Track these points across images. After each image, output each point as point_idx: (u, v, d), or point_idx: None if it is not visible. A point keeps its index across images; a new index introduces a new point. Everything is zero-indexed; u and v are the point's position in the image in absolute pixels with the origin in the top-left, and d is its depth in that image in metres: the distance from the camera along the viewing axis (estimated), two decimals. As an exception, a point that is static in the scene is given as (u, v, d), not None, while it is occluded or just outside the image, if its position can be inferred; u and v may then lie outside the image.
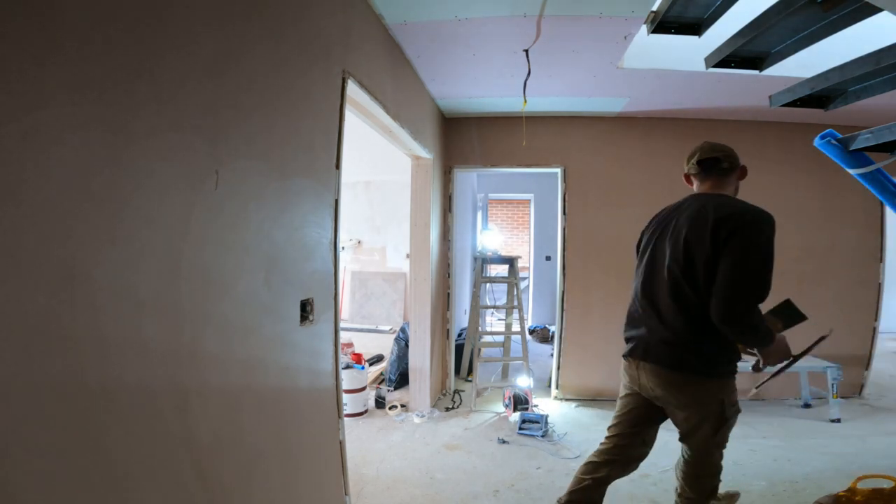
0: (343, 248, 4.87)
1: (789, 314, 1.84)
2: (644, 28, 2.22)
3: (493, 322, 6.71)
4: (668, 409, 1.83)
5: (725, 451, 1.88)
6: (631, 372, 1.88)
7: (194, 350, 1.09)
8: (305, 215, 1.62)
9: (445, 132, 4.05)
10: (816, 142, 2.12)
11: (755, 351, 1.72)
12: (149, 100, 0.94)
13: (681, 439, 1.87)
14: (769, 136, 3.92)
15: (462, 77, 3.11)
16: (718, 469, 1.88)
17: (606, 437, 1.99)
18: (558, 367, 4.05)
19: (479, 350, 4.06)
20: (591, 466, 1.95)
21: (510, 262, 4.42)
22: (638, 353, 1.81)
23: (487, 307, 4.54)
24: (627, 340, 1.90)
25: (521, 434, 3.23)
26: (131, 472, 0.92)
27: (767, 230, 1.57)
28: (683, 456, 1.90)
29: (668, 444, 3.07)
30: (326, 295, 1.78)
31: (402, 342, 4.09)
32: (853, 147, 2.00)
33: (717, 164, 1.79)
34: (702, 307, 1.63)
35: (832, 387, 3.42)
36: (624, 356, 1.92)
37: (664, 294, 1.73)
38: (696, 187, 1.87)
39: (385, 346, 4.76)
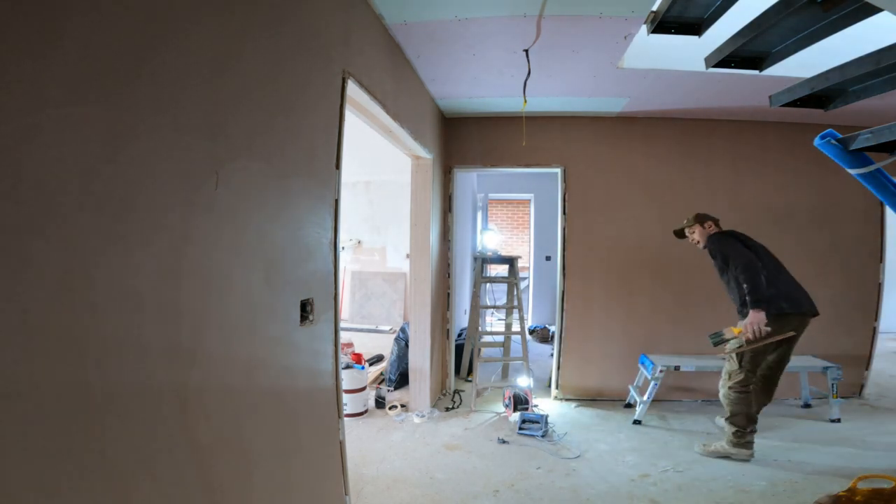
0: (343, 248, 4.87)
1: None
2: (644, 28, 2.22)
3: (493, 322, 6.71)
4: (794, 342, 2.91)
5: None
6: (799, 321, 2.83)
7: (194, 350, 1.09)
8: (305, 215, 1.62)
9: (445, 132, 4.04)
10: (816, 142, 2.12)
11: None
12: (149, 99, 0.94)
13: (779, 362, 2.93)
14: (769, 136, 3.92)
15: (462, 77, 3.11)
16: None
17: (748, 381, 2.88)
18: (558, 367, 4.05)
19: (479, 350, 4.06)
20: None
21: (510, 262, 4.42)
22: (808, 308, 2.83)
23: (487, 307, 4.54)
24: (788, 306, 2.79)
25: (521, 434, 3.24)
26: (131, 472, 0.92)
27: None
28: (769, 370, 2.95)
29: (668, 445, 3.10)
30: (326, 295, 1.78)
31: (402, 342, 4.09)
32: (853, 147, 2.00)
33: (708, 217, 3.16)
34: None
35: (832, 387, 3.42)
36: (791, 313, 2.80)
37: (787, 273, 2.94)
38: (716, 227, 3.10)
39: (385, 346, 4.76)
